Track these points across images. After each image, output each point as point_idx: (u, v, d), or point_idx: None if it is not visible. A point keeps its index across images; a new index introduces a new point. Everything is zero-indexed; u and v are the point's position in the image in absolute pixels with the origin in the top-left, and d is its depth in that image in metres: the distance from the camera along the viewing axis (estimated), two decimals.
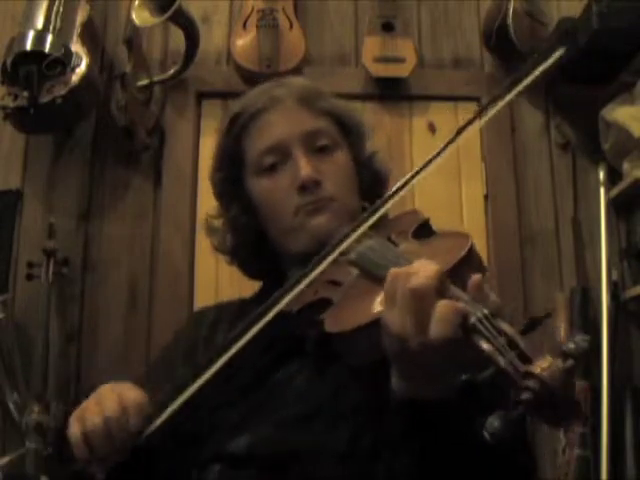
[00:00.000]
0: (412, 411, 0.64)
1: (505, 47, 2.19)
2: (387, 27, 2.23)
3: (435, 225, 0.90)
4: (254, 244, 0.98)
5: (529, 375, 0.52)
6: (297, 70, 2.17)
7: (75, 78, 1.94)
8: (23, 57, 1.92)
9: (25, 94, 1.89)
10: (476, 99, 2.31)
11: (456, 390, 0.60)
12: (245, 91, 1.00)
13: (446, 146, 0.82)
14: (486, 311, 0.58)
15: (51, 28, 1.98)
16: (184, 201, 2.15)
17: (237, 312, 0.99)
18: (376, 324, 0.64)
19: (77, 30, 2.02)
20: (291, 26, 2.22)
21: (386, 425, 0.68)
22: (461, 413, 0.63)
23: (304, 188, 0.88)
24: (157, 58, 2.28)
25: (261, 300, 0.99)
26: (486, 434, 0.53)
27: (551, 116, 2.30)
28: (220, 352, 0.73)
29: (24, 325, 2.02)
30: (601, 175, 2.19)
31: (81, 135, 2.20)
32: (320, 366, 0.80)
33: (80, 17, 2.05)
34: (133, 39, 2.08)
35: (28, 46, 1.93)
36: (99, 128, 2.21)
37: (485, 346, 0.55)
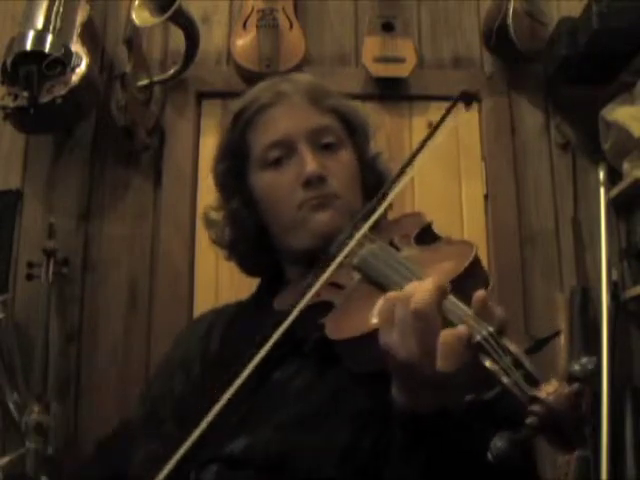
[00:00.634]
0: (414, 422, 0.63)
1: (505, 47, 2.19)
2: (387, 27, 2.23)
3: (435, 225, 0.89)
4: (253, 238, 0.97)
5: (535, 400, 0.51)
6: (297, 70, 2.17)
7: (75, 78, 1.94)
8: (23, 57, 1.92)
9: (25, 94, 1.89)
10: (476, 99, 2.31)
11: (460, 406, 0.59)
12: (245, 91, 1.00)
13: (426, 141, 0.81)
14: (491, 329, 0.56)
15: (51, 28, 1.98)
16: (184, 201, 2.16)
17: (232, 316, 0.98)
18: (377, 333, 0.63)
19: (77, 30, 2.02)
20: (291, 26, 2.22)
21: (386, 433, 0.68)
22: (465, 426, 0.62)
23: (309, 183, 0.88)
24: (157, 58, 2.28)
25: (259, 300, 0.99)
26: (490, 455, 0.52)
27: (551, 116, 2.30)
28: (238, 370, 0.71)
29: (24, 325, 2.02)
30: (601, 175, 2.19)
31: (81, 135, 2.20)
32: (319, 368, 0.79)
33: (80, 17, 2.05)
34: (133, 39, 2.08)
35: (28, 46, 1.93)
36: (99, 128, 2.21)
37: (490, 365, 0.54)
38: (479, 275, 0.70)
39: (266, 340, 0.71)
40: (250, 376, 0.70)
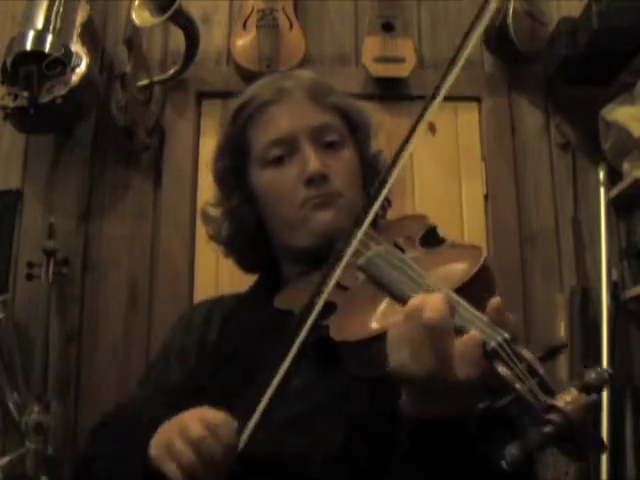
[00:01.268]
0: (422, 429, 0.62)
1: (505, 47, 2.20)
2: (387, 27, 2.22)
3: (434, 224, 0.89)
4: (252, 235, 0.96)
5: (552, 408, 0.51)
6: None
7: (75, 78, 1.94)
8: (23, 57, 1.92)
9: (25, 94, 1.89)
10: (476, 99, 2.31)
11: (473, 413, 0.58)
12: (246, 88, 0.99)
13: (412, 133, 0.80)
14: (507, 335, 0.56)
15: (51, 28, 1.98)
16: (184, 201, 2.16)
17: (231, 308, 0.98)
18: (381, 337, 0.62)
19: (77, 30, 2.02)
20: (291, 26, 2.22)
21: (385, 437, 0.67)
22: (471, 433, 0.61)
23: (311, 181, 0.87)
24: (157, 58, 2.28)
25: (257, 296, 0.98)
26: (504, 463, 0.52)
27: (551, 116, 2.30)
28: (276, 366, 0.71)
29: (24, 325, 2.02)
30: (601, 175, 2.19)
31: (81, 135, 2.20)
32: (319, 369, 0.79)
33: (80, 17, 2.05)
34: (133, 39, 2.08)
35: (28, 46, 1.93)
36: (99, 128, 2.21)
37: (504, 372, 0.54)
38: (488, 280, 0.69)
39: (292, 341, 0.71)
40: (275, 377, 0.70)
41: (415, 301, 0.60)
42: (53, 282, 1.97)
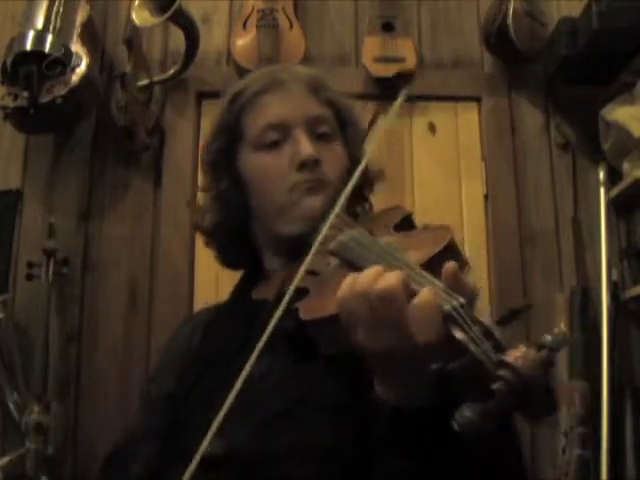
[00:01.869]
0: (400, 416, 0.62)
1: (505, 47, 2.19)
2: (387, 27, 2.23)
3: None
4: (237, 224, 0.96)
5: (502, 364, 0.51)
6: None
7: (75, 78, 1.94)
8: (23, 57, 1.92)
9: (25, 94, 1.89)
10: (476, 99, 2.31)
11: (431, 380, 0.58)
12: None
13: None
14: (462, 300, 0.56)
15: (51, 28, 1.98)
16: (184, 201, 2.15)
17: (215, 312, 0.99)
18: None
19: (77, 30, 2.02)
20: (291, 26, 2.22)
21: (368, 428, 0.66)
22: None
23: (304, 166, 0.88)
24: (157, 58, 2.28)
25: (238, 293, 0.98)
26: (455, 425, 0.51)
27: (551, 116, 2.30)
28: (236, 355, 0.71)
29: (24, 325, 2.02)
30: (601, 175, 2.19)
31: (81, 135, 2.20)
32: (294, 361, 0.77)
33: (80, 17, 2.05)
34: (133, 39, 2.08)
35: (28, 46, 1.93)
36: (99, 128, 2.21)
37: (459, 335, 0.54)
38: (455, 257, 0.69)
39: (263, 329, 0.68)
40: (234, 372, 0.69)
41: (364, 276, 0.61)
42: (53, 282, 1.97)
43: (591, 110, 2.15)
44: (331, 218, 0.77)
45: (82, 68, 1.96)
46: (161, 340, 1.03)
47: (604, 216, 2.14)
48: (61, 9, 2.02)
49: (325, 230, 0.75)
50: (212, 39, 2.30)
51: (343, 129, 0.97)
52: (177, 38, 2.22)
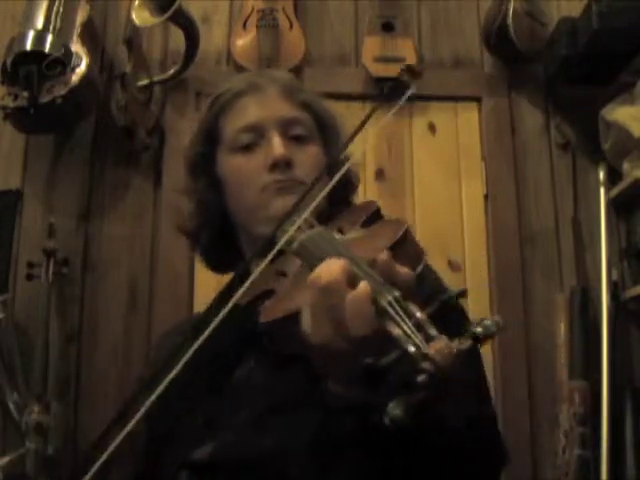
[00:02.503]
0: (350, 413, 0.62)
1: (505, 47, 2.20)
2: (387, 27, 2.23)
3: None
4: (218, 227, 0.97)
5: (425, 357, 0.51)
6: (297, 70, 2.17)
7: (75, 78, 1.94)
8: (23, 57, 1.92)
9: (25, 94, 1.89)
10: (476, 99, 2.31)
11: (357, 370, 0.59)
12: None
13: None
14: (396, 293, 0.56)
15: (51, 28, 1.98)
16: (184, 201, 2.15)
17: (190, 324, 0.98)
18: (298, 315, 0.63)
19: (77, 30, 2.02)
20: (291, 26, 2.22)
21: (334, 423, 0.66)
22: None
23: (275, 166, 0.89)
24: (157, 58, 2.28)
25: (221, 297, 0.98)
26: (386, 419, 0.52)
27: (551, 116, 2.30)
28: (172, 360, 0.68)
29: (24, 325, 2.02)
30: (601, 175, 2.19)
31: (81, 135, 2.20)
32: (275, 362, 0.77)
33: (80, 17, 2.05)
34: (133, 39, 2.08)
35: (28, 46, 1.93)
36: (99, 128, 2.21)
37: (393, 330, 0.54)
38: (410, 249, 0.70)
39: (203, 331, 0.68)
40: (205, 377, 0.69)
41: (317, 269, 0.61)
42: (53, 282, 1.97)
43: (591, 110, 2.15)
44: (294, 219, 0.78)
45: (82, 68, 1.96)
46: None
47: (604, 216, 2.14)
48: (61, 9, 2.02)
49: (291, 231, 0.76)
50: (212, 39, 2.30)
51: (322, 131, 0.98)
52: (177, 38, 2.22)
